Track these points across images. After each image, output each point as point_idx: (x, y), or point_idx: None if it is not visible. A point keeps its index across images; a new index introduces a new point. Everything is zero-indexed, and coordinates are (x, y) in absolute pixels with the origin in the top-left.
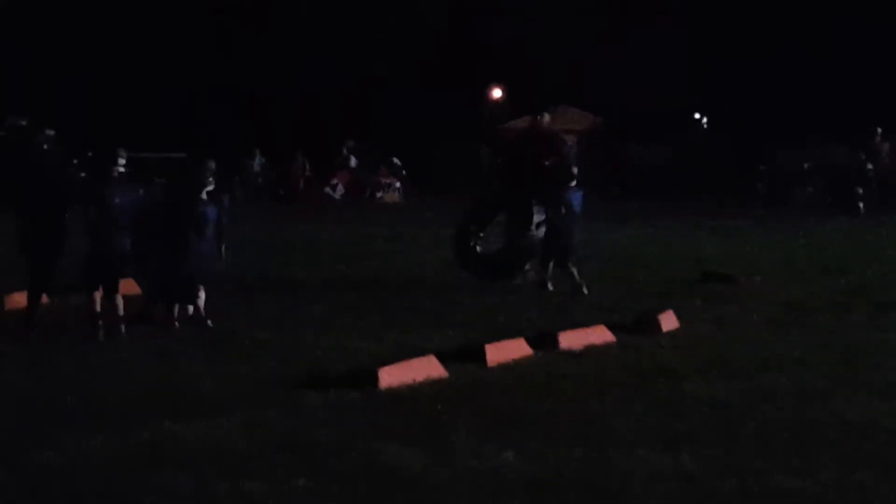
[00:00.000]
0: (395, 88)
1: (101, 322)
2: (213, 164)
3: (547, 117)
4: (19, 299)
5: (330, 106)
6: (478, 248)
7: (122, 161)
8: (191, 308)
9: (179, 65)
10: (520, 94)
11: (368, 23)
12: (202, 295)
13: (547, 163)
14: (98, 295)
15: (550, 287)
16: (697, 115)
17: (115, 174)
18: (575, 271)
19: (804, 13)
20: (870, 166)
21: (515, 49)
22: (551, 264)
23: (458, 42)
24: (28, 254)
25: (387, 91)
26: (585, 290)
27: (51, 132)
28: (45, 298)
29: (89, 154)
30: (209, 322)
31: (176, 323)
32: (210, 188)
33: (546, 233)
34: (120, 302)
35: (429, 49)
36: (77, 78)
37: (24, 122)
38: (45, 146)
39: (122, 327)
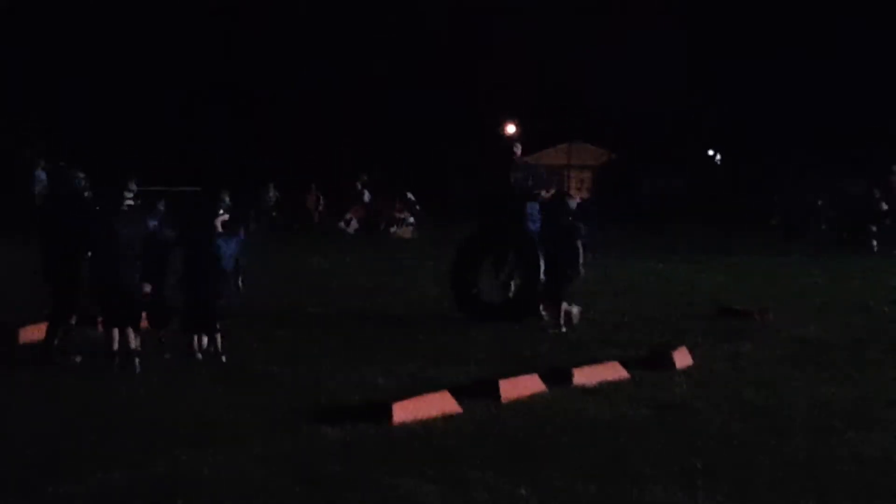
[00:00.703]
0: (395, 89)
1: (117, 354)
2: (227, 198)
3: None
4: (34, 332)
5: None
6: (480, 297)
7: (130, 194)
8: (205, 340)
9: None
10: (532, 129)
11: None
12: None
13: (545, 194)
14: (115, 330)
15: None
16: (711, 152)
17: (125, 207)
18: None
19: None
20: (884, 206)
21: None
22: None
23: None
24: (52, 284)
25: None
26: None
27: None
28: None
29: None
30: (223, 357)
31: (198, 354)
32: (224, 220)
33: (546, 272)
34: (131, 335)
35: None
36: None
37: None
38: (80, 185)
39: (137, 361)
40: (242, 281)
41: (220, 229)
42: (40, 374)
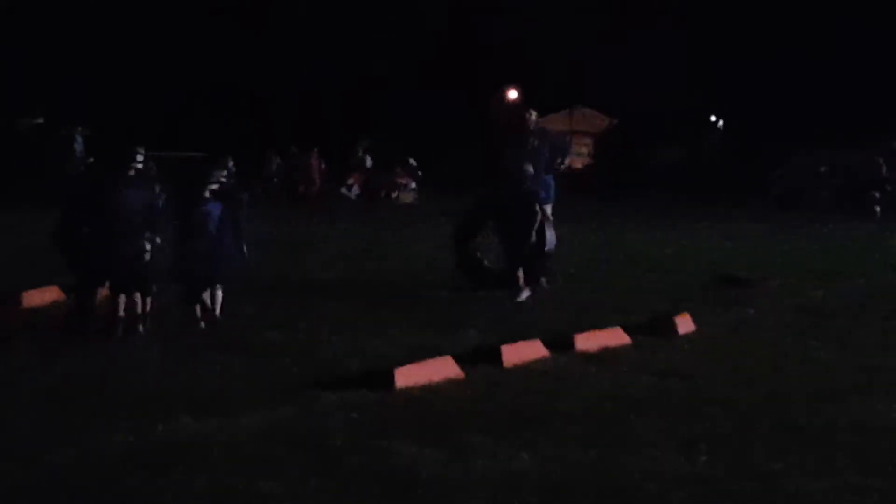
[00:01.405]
0: (395, 88)
1: (120, 320)
2: (231, 163)
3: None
4: (37, 297)
5: (330, 106)
6: (485, 262)
7: (139, 158)
8: (198, 309)
9: (179, 64)
10: (533, 94)
11: (368, 23)
12: (219, 294)
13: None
14: (121, 296)
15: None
16: (714, 118)
17: (132, 172)
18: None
19: (804, 13)
20: (886, 171)
21: (516, 49)
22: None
23: (458, 42)
24: (71, 252)
25: (387, 91)
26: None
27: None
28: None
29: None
30: (218, 314)
31: (201, 323)
32: (214, 186)
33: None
34: (139, 300)
35: (429, 49)
36: (77, 78)
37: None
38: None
39: (141, 326)
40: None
41: (208, 195)
42: (40, 341)
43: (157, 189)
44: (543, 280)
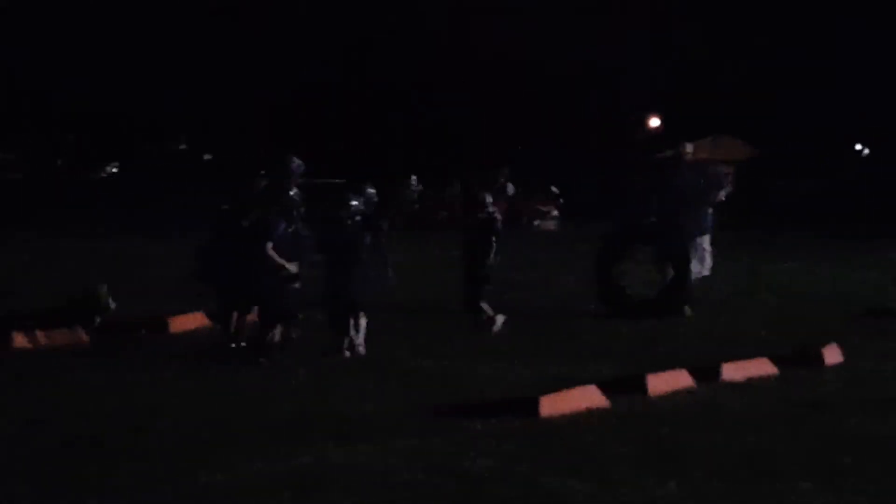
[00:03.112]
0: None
1: (266, 346)
2: (372, 191)
3: (689, 148)
4: (184, 322)
5: (471, 134)
6: (626, 290)
7: (292, 194)
8: (353, 333)
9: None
10: (675, 123)
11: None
12: (362, 322)
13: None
14: (268, 323)
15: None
16: (859, 146)
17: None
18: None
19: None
20: None
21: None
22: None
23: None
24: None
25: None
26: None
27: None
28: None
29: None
30: (361, 349)
31: (346, 352)
32: (357, 214)
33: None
34: (284, 327)
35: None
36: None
37: (183, 147)
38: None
39: (282, 351)
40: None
41: (350, 222)
42: (189, 366)
43: (300, 217)
44: (687, 308)
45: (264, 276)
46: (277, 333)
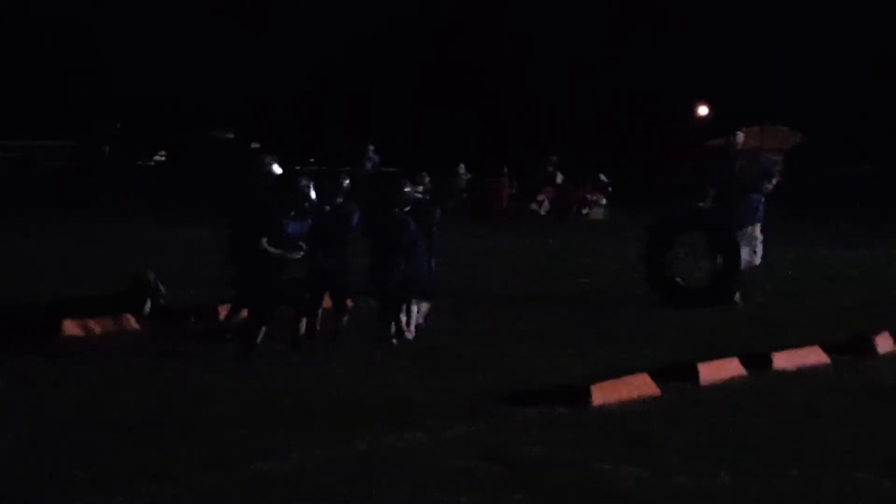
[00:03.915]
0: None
1: (309, 335)
2: (427, 179)
3: (741, 136)
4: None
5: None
6: (676, 279)
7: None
8: (393, 325)
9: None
10: (725, 111)
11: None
12: (414, 309)
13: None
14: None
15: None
16: None
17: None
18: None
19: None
20: None
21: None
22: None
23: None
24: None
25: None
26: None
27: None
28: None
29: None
30: (409, 335)
31: (393, 340)
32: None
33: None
34: (345, 316)
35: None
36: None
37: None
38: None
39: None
40: (434, 262)
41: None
42: (240, 354)
43: (351, 205)
44: (737, 296)
45: (267, 274)
46: (302, 325)
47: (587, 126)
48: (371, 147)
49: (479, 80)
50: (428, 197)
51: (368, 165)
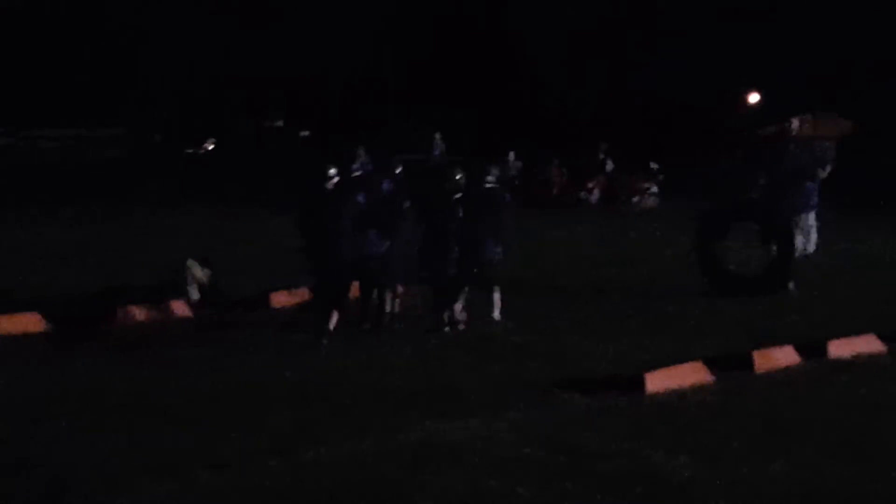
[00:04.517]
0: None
1: (366, 321)
2: (513, 157)
3: (795, 124)
4: (285, 298)
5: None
6: (730, 267)
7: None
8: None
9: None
10: (776, 99)
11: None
12: (496, 296)
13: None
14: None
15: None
16: None
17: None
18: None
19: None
20: None
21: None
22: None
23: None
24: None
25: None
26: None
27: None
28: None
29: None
30: (461, 326)
31: (446, 328)
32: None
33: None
34: (388, 299)
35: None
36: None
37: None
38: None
39: (386, 325)
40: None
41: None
42: (291, 342)
43: (400, 191)
44: (791, 284)
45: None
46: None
47: (637, 113)
48: (437, 135)
49: (530, 67)
50: (497, 185)
51: (436, 153)
